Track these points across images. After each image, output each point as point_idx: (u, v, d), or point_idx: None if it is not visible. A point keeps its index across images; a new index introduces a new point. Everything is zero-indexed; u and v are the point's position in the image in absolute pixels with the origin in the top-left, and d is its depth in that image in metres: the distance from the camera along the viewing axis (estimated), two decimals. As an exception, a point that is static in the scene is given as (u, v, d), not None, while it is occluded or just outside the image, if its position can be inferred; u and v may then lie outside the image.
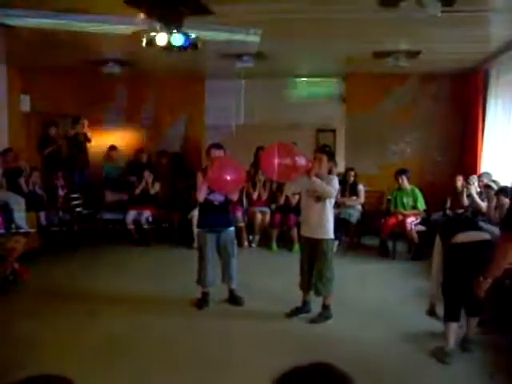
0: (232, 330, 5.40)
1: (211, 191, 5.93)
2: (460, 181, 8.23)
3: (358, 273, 7.49)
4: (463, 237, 4.65)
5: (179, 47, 5.49)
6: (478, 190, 7.84)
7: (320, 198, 5.52)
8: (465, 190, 8.01)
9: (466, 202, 7.93)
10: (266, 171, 5.85)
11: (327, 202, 5.55)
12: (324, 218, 5.56)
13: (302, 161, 5.31)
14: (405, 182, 8.69)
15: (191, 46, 5.55)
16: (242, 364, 4.54)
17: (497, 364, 4.52)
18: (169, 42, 5.41)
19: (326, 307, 5.69)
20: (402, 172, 8.75)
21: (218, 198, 6.00)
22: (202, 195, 5.92)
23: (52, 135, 9.71)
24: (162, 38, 5.38)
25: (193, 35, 5.49)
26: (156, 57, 7.24)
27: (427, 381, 4.33)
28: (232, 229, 6.23)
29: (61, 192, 9.23)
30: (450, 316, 4.59)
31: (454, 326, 4.59)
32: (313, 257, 5.63)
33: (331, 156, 5.89)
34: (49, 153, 9.64)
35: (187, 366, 4.49)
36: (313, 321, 5.61)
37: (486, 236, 4.67)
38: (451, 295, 4.58)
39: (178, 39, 5.42)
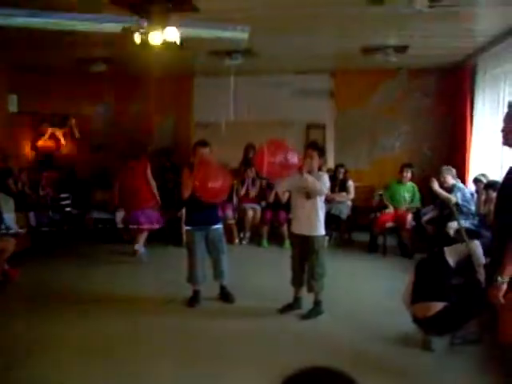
0: (224, 327, 5.40)
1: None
2: (434, 182, 7.89)
3: (349, 269, 7.50)
4: None
5: (165, 45, 5.46)
6: (452, 182, 7.80)
7: (310, 196, 5.53)
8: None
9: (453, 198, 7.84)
10: (259, 169, 5.83)
11: (318, 199, 5.57)
12: (315, 215, 5.57)
13: (294, 158, 5.31)
14: (409, 176, 8.69)
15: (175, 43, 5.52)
16: (234, 361, 4.55)
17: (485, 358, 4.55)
18: (155, 40, 5.39)
19: (317, 303, 5.70)
20: (408, 166, 8.73)
21: None
22: (187, 192, 5.89)
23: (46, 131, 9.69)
24: (155, 37, 5.35)
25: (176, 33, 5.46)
26: (144, 55, 7.20)
27: (416, 372, 4.35)
28: (220, 226, 6.21)
29: (41, 192, 9.19)
30: None
31: None
32: (304, 253, 5.64)
33: (322, 152, 5.88)
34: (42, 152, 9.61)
35: (178, 364, 4.48)
36: (304, 317, 5.62)
37: None
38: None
39: (164, 36, 5.39)
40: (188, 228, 6.13)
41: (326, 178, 5.63)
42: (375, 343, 4.92)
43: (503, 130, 3.40)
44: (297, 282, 5.78)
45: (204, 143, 6.10)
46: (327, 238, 7.70)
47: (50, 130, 10.05)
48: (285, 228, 9.13)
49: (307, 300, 5.76)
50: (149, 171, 8.38)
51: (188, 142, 10.62)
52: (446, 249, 4.85)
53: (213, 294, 6.21)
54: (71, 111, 10.21)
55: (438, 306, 4.37)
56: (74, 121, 9.99)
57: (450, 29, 6.93)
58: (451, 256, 4.76)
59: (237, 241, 9.31)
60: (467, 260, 4.72)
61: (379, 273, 7.49)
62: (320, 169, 5.82)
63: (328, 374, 1.41)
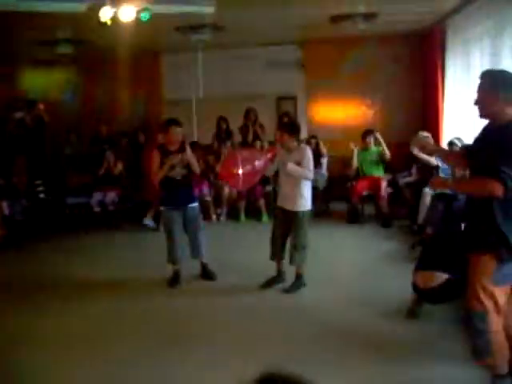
0: (205, 305, 5.39)
1: (171, 167, 5.85)
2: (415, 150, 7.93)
3: (329, 240, 7.51)
4: None
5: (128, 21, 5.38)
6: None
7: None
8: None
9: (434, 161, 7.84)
10: (230, 182, 5.78)
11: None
12: (300, 191, 5.53)
13: (260, 162, 5.25)
14: (371, 143, 8.74)
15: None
16: (216, 339, 4.53)
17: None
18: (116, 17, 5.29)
19: (299, 276, 5.69)
20: (369, 132, 8.79)
21: (179, 171, 5.89)
22: (160, 176, 5.83)
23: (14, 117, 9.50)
24: (107, 13, 5.23)
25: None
26: (109, 33, 7.05)
27: (399, 342, 4.37)
28: (196, 204, 6.14)
29: (15, 179, 9.03)
30: None
31: None
32: (287, 227, 5.62)
33: (293, 128, 5.65)
34: (8, 137, 9.42)
35: (162, 345, 4.44)
36: (286, 290, 5.62)
37: None
38: None
39: (125, 13, 5.30)
40: (164, 208, 6.05)
41: (307, 152, 5.53)
42: (358, 314, 4.94)
43: (478, 103, 3.33)
44: (277, 255, 5.75)
45: (177, 122, 5.98)
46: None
47: (18, 116, 9.83)
48: (261, 202, 9.12)
49: (290, 273, 5.75)
50: None
51: (159, 121, 10.50)
52: None
53: (193, 273, 6.16)
54: (38, 96, 9.99)
55: (442, 277, 4.32)
56: (42, 106, 9.78)
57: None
58: None
59: (214, 217, 9.25)
60: None
61: (359, 243, 7.52)
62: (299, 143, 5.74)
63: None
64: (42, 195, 9.36)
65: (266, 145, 9.53)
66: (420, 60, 9.89)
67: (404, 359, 4.02)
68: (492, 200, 3.15)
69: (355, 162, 8.83)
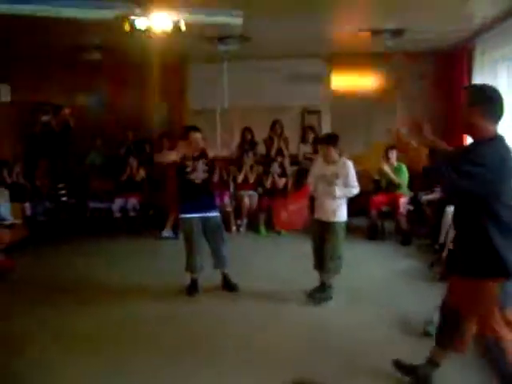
0: (223, 314, 5.37)
1: (193, 169, 5.88)
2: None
3: (348, 255, 7.44)
4: None
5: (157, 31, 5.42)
6: None
7: (332, 182, 5.54)
8: None
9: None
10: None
11: (340, 185, 5.55)
12: (337, 202, 5.56)
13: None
14: (394, 158, 8.68)
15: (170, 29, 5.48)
16: (234, 348, 4.51)
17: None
18: (148, 26, 5.34)
19: (327, 286, 5.70)
20: (392, 147, 8.72)
21: (199, 175, 5.92)
22: (160, 158, 6.03)
23: (40, 121, 9.61)
24: (141, 22, 5.29)
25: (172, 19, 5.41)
26: (137, 42, 7.13)
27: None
28: (217, 214, 6.14)
29: (38, 182, 9.13)
30: None
31: None
32: (324, 238, 5.63)
33: (336, 141, 5.75)
34: (33, 140, 9.53)
35: (177, 352, 4.44)
36: (311, 297, 5.65)
37: None
38: None
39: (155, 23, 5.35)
40: (184, 216, 6.01)
41: (350, 167, 5.59)
42: (372, 331, 4.89)
43: (460, 119, 3.30)
44: (318, 265, 5.78)
45: (196, 128, 6.04)
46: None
47: (44, 120, 9.94)
48: (282, 215, 9.13)
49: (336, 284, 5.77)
50: None
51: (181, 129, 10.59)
52: None
53: (214, 283, 6.13)
54: (65, 101, 10.10)
55: None
56: (68, 110, 9.89)
57: (447, 11, 6.86)
58: None
59: (234, 228, 9.26)
60: None
61: (378, 259, 7.46)
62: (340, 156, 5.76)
63: None
64: (64, 198, 9.45)
65: (287, 160, 9.59)
66: (446, 78, 9.83)
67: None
68: (487, 221, 3.11)
69: (395, 178, 8.65)
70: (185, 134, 6.01)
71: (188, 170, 5.87)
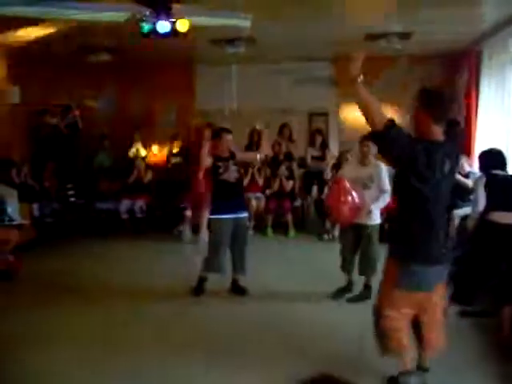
0: (230, 314, 5.38)
1: (225, 169, 5.90)
2: None
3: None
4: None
5: (166, 34, 5.44)
6: (468, 169, 7.74)
7: (367, 185, 5.54)
8: None
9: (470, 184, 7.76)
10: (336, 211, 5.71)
11: (374, 189, 5.56)
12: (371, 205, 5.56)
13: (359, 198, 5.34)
14: None
15: (176, 33, 5.49)
16: (241, 349, 4.51)
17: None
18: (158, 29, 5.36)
19: (368, 287, 5.71)
20: None
21: (232, 175, 5.95)
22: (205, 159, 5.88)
23: (48, 122, 9.64)
24: (162, 26, 5.32)
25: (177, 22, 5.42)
26: (145, 44, 7.15)
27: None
28: (247, 215, 6.22)
29: (46, 183, 9.16)
30: None
31: None
32: (358, 241, 5.66)
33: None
34: (41, 142, 9.55)
35: (186, 353, 4.44)
36: (351, 300, 5.69)
37: None
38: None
39: (164, 26, 5.37)
40: (216, 217, 5.92)
41: (383, 170, 5.56)
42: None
43: (412, 121, 3.44)
44: (347, 267, 5.81)
45: (228, 130, 6.13)
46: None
47: (52, 121, 9.96)
48: (289, 217, 9.11)
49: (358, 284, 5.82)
50: None
51: (190, 130, 10.65)
52: None
53: (221, 285, 6.11)
54: (74, 102, 10.13)
55: None
56: (77, 112, 9.92)
57: (454, 15, 6.86)
58: None
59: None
60: None
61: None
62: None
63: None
64: (72, 199, 9.49)
65: (295, 163, 9.59)
66: (453, 81, 9.81)
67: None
68: (410, 209, 3.32)
69: None
70: (217, 135, 6.05)
71: (221, 170, 5.89)
